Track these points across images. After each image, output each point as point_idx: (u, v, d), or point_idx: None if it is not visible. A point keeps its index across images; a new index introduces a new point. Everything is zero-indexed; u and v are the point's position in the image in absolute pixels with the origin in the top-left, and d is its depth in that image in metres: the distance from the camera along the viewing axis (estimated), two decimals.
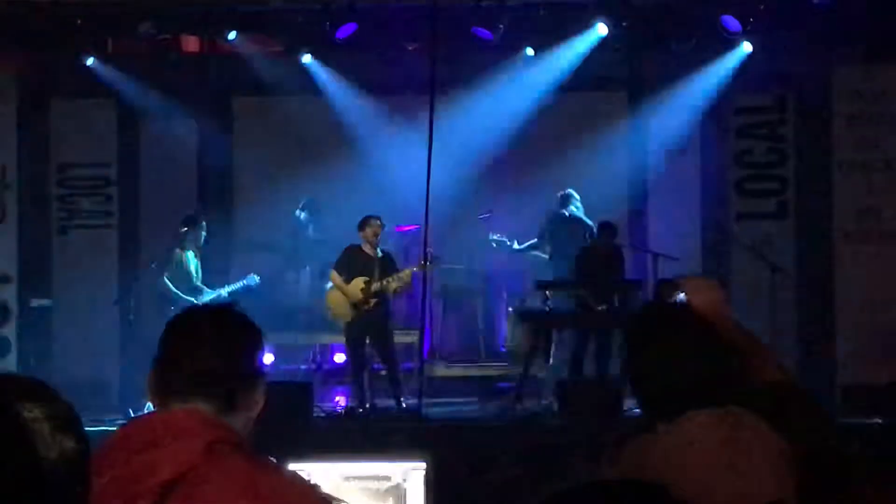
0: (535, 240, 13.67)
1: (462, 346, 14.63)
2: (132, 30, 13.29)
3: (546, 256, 13.62)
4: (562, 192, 13.53)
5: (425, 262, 12.20)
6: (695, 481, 2.81)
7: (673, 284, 3.51)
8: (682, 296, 3.47)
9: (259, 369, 2.86)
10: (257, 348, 2.87)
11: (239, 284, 12.72)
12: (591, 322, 12.55)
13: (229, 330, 2.84)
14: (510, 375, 13.11)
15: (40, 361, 13.34)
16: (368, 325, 12.17)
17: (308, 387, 11.94)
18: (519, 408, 11.96)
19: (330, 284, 12.42)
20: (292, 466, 3.18)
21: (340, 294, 12.23)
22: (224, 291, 12.58)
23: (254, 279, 12.75)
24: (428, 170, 11.42)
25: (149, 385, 2.79)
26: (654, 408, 3.10)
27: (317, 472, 3.34)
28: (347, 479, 3.45)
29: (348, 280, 12.19)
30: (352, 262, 12.23)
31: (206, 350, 2.77)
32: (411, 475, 3.52)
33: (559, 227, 13.41)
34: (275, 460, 2.84)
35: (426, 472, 3.52)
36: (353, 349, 12.32)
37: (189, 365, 2.74)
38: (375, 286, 12.10)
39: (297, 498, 2.69)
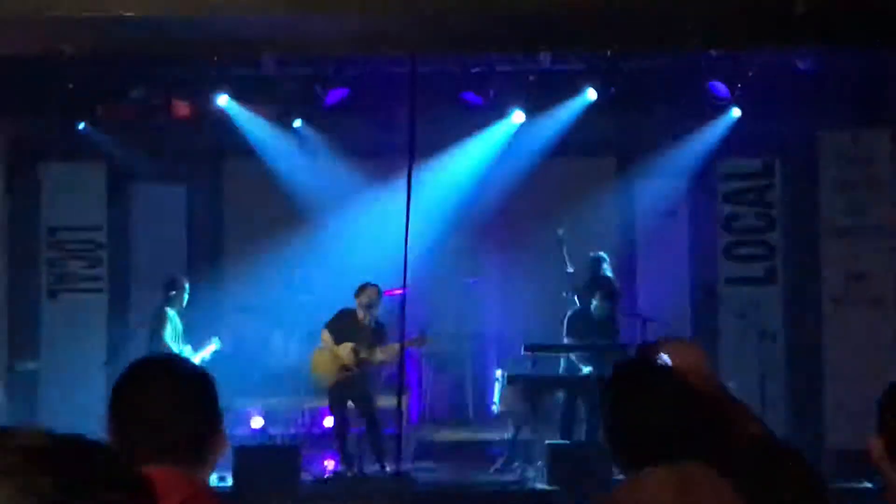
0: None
1: (451, 409, 14.60)
2: (123, 94, 13.36)
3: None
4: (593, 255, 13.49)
5: (420, 340, 12.21)
6: None
7: (654, 347, 3.51)
8: (664, 357, 3.48)
9: (219, 417, 2.84)
10: (215, 398, 2.85)
11: (203, 352, 12.64)
12: (582, 386, 12.51)
13: (186, 388, 2.82)
14: (500, 439, 13.06)
15: (26, 425, 13.26)
16: (350, 388, 12.15)
17: (296, 451, 11.87)
18: (509, 472, 11.90)
19: (318, 344, 12.41)
20: None
21: (327, 354, 12.22)
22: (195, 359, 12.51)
23: (217, 342, 12.69)
24: (406, 232, 11.42)
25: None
26: (625, 461, 3.12)
27: None
28: None
29: (337, 342, 12.18)
30: (344, 326, 12.23)
31: (169, 417, 2.74)
32: None
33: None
34: None
35: None
36: (336, 412, 12.28)
37: (155, 435, 2.71)
38: (363, 354, 12.10)
39: None
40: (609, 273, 13.38)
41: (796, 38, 9.25)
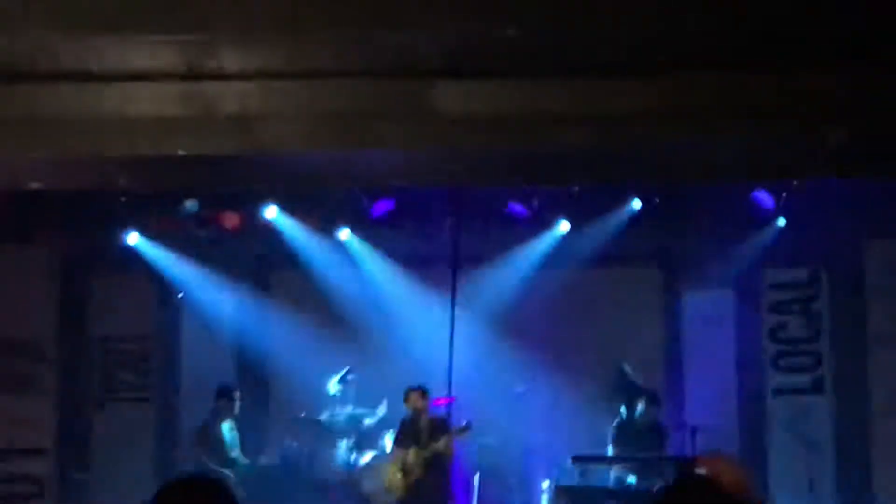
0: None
1: None
2: (175, 208, 13.54)
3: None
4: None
5: (463, 429, 12.27)
6: None
7: (693, 463, 3.55)
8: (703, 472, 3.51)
9: None
10: None
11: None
12: (630, 498, 12.42)
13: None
14: None
15: None
16: (423, 499, 12.18)
17: None
18: None
19: (383, 458, 12.51)
20: None
21: (394, 466, 12.34)
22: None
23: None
24: (451, 341, 11.53)
25: None
26: None
27: None
28: None
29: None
30: (404, 434, 12.45)
31: None
32: None
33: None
34: None
35: None
36: None
37: None
38: (421, 454, 12.14)
39: None
40: (636, 381, 13.39)
41: (834, 169, 9.34)
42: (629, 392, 13.26)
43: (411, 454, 12.24)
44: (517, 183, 12.12)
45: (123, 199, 13.48)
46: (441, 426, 12.30)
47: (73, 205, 13.34)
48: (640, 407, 12.76)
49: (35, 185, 9.32)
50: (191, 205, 13.35)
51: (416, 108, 8.05)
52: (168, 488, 3.08)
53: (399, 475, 12.34)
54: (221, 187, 12.38)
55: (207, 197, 13.62)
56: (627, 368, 13.51)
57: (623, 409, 13.07)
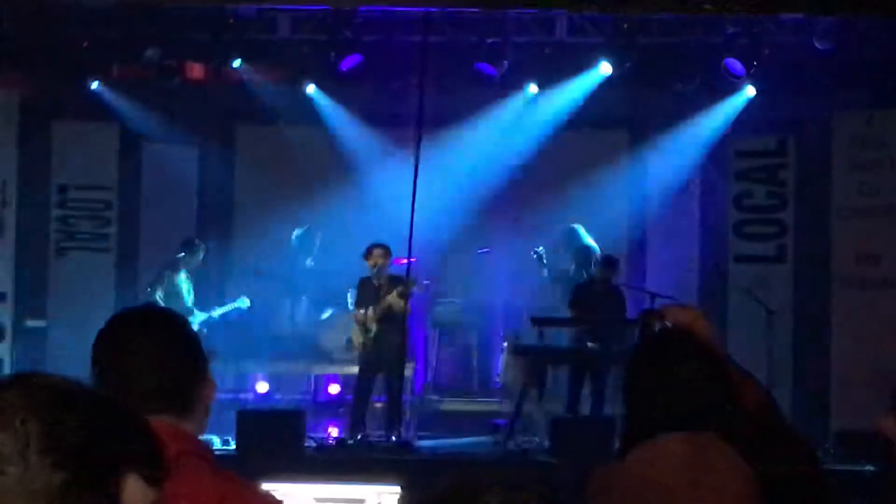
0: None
1: (456, 380, 14.60)
2: (138, 55, 13.34)
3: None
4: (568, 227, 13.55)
5: (411, 282, 12.23)
6: (657, 499, 2.80)
7: (657, 313, 3.50)
8: (667, 323, 3.47)
9: (202, 364, 2.82)
10: (196, 344, 2.83)
11: (229, 307, 12.83)
12: (588, 360, 12.51)
13: (164, 337, 2.79)
14: (504, 411, 13.08)
15: None
16: (381, 357, 12.22)
17: (300, 416, 11.90)
18: (511, 444, 11.91)
19: (339, 311, 12.57)
20: (266, 486, 3.16)
21: (356, 324, 12.43)
22: (215, 314, 12.65)
23: (244, 301, 12.84)
24: (413, 202, 11.45)
25: None
26: (641, 429, 3.11)
27: (291, 493, 3.32)
28: (320, 500, 3.42)
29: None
30: (363, 293, 12.40)
31: (147, 366, 2.72)
32: (385, 499, 3.49)
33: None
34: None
35: (400, 496, 3.49)
36: (361, 378, 12.35)
37: (139, 385, 2.68)
38: (377, 309, 12.16)
39: None
40: (589, 242, 13.40)
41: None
42: (582, 254, 13.29)
43: (368, 311, 12.24)
44: (490, 4, 11.94)
45: (85, 44, 13.26)
46: (397, 284, 12.27)
47: (35, 49, 13.14)
48: (594, 269, 12.82)
49: None
50: (152, 52, 13.12)
51: None
52: (120, 318, 2.94)
53: (359, 332, 12.35)
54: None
55: (171, 46, 13.41)
56: (580, 230, 13.49)
57: (583, 272, 13.10)
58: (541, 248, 13.41)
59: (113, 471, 1.55)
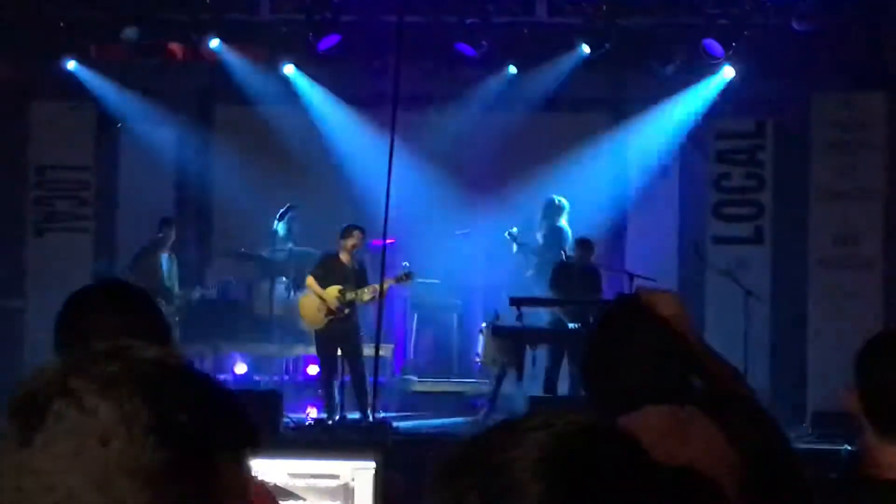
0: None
1: (436, 360, 14.62)
2: (115, 34, 13.28)
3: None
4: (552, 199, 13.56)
5: (405, 277, 12.27)
6: None
7: (633, 297, 3.49)
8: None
9: (168, 334, 2.80)
10: (158, 314, 2.81)
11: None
12: (566, 340, 12.53)
13: (127, 308, 2.77)
14: (483, 391, 13.11)
15: (11, 362, 13.26)
16: (339, 336, 12.17)
17: (278, 397, 11.90)
18: (490, 424, 11.89)
19: (305, 291, 12.42)
20: None
21: (314, 300, 12.23)
22: (195, 295, 12.64)
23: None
24: (388, 182, 11.44)
25: None
26: (607, 408, 3.09)
27: (262, 468, 3.31)
28: (294, 475, 3.42)
29: (323, 287, 12.20)
30: (329, 271, 12.24)
31: (110, 338, 2.70)
32: (360, 474, 3.48)
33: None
34: None
35: (375, 472, 3.48)
36: (323, 358, 12.33)
37: None
38: (350, 295, 12.10)
39: None
40: (562, 224, 13.43)
41: None
42: (553, 234, 13.33)
43: (334, 290, 12.14)
44: None
45: (62, 24, 13.20)
46: (366, 275, 12.25)
47: (12, 29, 13.08)
48: (567, 251, 12.87)
49: None
50: (131, 32, 13.07)
51: None
52: (77, 297, 2.92)
53: (319, 311, 12.24)
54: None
55: (149, 26, 13.36)
56: (562, 209, 13.49)
57: (563, 255, 13.12)
58: (514, 228, 13.45)
59: (219, 452, 1.45)
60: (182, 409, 1.42)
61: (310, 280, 12.31)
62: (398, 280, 12.34)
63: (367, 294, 12.13)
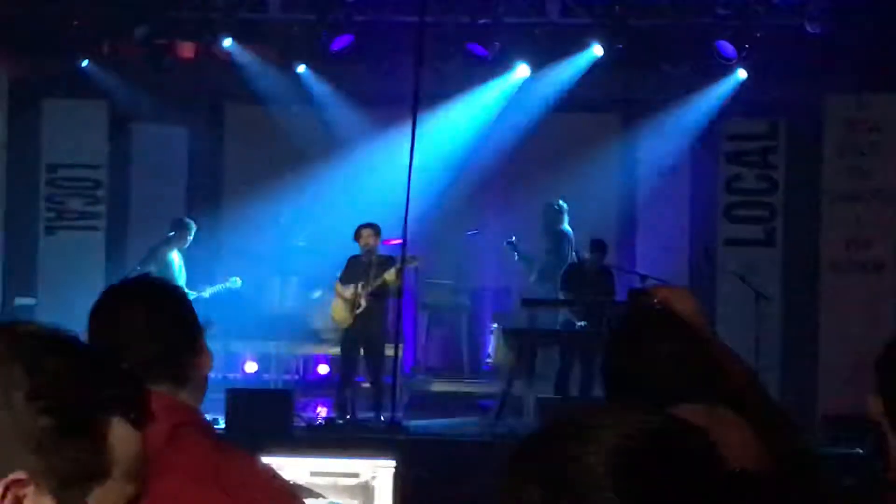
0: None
1: (446, 361, 14.63)
2: (128, 34, 13.30)
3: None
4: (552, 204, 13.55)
5: (410, 259, 12.22)
6: None
7: (646, 294, 3.48)
8: (656, 305, 3.45)
9: (197, 334, 2.80)
10: (191, 314, 2.81)
11: (220, 287, 12.79)
12: (577, 342, 12.52)
13: (158, 307, 2.78)
14: (493, 392, 13.10)
15: None
16: (365, 336, 12.17)
17: (289, 395, 11.91)
18: (500, 425, 11.92)
19: (333, 296, 12.48)
20: (263, 460, 3.14)
21: (340, 300, 12.28)
22: (206, 293, 12.63)
23: (235, 282, 12.81)
24: (408, 183, 11.45)
25: None
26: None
27: (285, 467, 3.32)
28: (315, 474, 3.43)
29: (346, 286, 12.27)
30: (351, 271, 12.31)
31: (146, 336, 2.71)
32: (380, 473, 3.49)
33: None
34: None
35: (395, 471, 3.49)
36: (345, 358, 12.33)
37: (132, 355, 2.65)
38: (368, 286, 12.10)
39: (262, 486, 2.65)
40: (565, 227, 13.43)
41: None
42: (554, 238, 13.32)
43: (358, 288, 12.18)
44: None
45: (75, 23, 13.21)
46: (388, 263, 12.25)
47: (25, 27, 13.09)
48: (573, 254, 12.89)
49: None
50: (142, 31, 13.08)
51: None
52: (114, 289, 2.92)
53: (343, 307, 12.27)
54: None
55: (161, 25, 13.37)
56: (562, 211, 13.48)
57: (574, 256, 13.12)
58: (514, 237, 13.47)
59: (99, 415, 1.57)
60: (61, 377, 1.54)
61: (337, 285, 12.37)
62: (404, 263, 12.21)
63: (389, 275, 12.07)
